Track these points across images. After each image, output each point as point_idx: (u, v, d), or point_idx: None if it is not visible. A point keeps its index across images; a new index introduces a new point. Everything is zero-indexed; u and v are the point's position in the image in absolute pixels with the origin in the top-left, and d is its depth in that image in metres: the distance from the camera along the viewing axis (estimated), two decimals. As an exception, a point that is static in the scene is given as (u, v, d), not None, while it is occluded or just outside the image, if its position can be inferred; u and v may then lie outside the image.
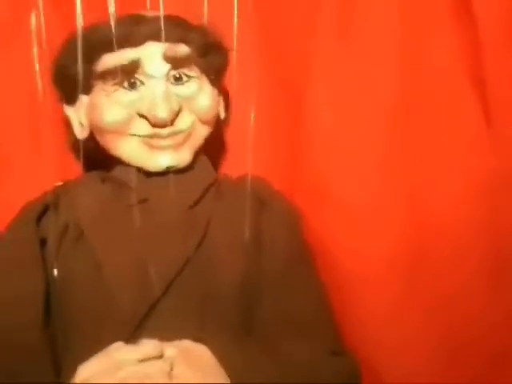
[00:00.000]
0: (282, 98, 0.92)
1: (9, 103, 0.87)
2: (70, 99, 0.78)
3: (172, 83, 0.75)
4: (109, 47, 0.72)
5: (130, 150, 0.75)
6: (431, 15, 0.86)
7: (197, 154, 0.79)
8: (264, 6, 0.91)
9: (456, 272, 0.82)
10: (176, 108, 0.73)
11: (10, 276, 0.69)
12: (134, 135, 0.75)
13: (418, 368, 0.81)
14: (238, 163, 0.87)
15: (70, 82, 0.75)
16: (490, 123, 0.84)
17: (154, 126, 0.73)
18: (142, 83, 0.74)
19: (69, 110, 0.80)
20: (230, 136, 0.93)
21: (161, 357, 0.58)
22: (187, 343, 0.61)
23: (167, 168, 0.75)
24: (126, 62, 0.72)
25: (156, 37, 0.72)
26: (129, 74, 0.73)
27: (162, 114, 0.72)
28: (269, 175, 0.87)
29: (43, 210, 0.75)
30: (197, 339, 0.63)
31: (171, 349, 0.59)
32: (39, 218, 0.74)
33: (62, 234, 0.72)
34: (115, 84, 0.73)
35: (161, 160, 0.75)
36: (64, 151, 0.87)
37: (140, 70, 0.73)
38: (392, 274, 0.83)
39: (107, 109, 0.74)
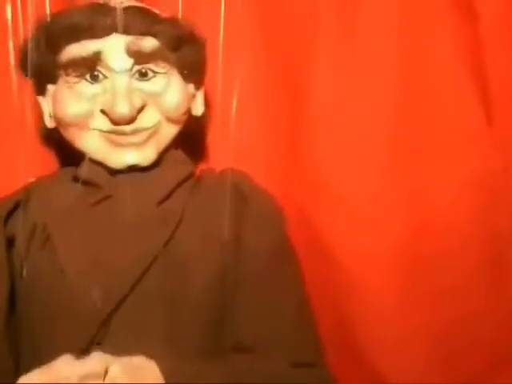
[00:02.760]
0: (282, 94, 0.90)
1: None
2: (40, 89, 0.76)
3: (137, 79, 0.71)
4: (72, 37, 0.70)
5: (92, 144, 0.73)
6: (432, 11, 0.84)
7: (166, 151, 0.76)
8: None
9: (456, 270, 0.81)
10: (137, 105, 0.70)
11: None
12: (96, 129, 0.72)
13: (417, 365, 0.80)
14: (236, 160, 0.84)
15: (37, 71, 0.73)
16: (490, 121, 0.82)
17: (115, 122, 0.70)
18: (105, 77, 0.71)
19: (41, 100, 0.78)
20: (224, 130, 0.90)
21: (105, 374, 0.56)
22: (137, 360, 0.58)
23: (128, 166, 0.73)
24: (86, 54, 0.69)
25: (121, 29, 0.69)
26: (90, 67, 0.70)
27: (121, 110, 0.69)
28: (268, 172, 0.86)
29: (13, 207, 0.73)
30: (156, 348, 0.61)
31: (116, 366, 0.56)
32: (8, 216, 0.72)
33: (30, 235, 0.71)
34: (77, 76, 0.71)
35: (123, 157, 0.72)
36: (40, 145, 0.85)
37: (102, 63, 0.70)
38: (392, 272, 0.82)
39: (68, 101, 0.71)
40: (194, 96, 0.79)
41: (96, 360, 0.55)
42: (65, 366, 0.54)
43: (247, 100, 0.84)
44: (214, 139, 0.90)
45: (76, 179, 0.74)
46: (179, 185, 0.74)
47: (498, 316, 0.81)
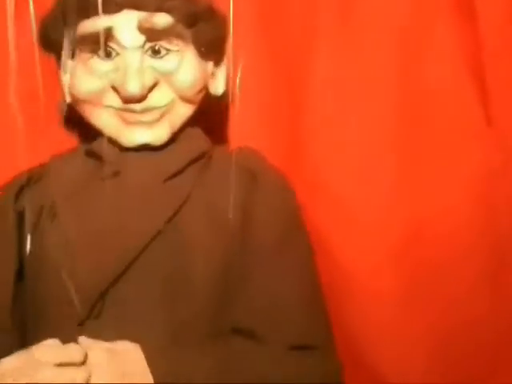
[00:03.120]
0: (282, 93, 0.88)
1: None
2: (59, 64, 0.76)
3: (149, 55, 0.70)
4: (86, 13, 0.69)
5: (106, 121, 0.72)
6: (433, 10, 0.83)
7: (181, 129, 0.74)
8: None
9: (458, 275, 0.80)
10: (149, 83, 0.69)
11: None
12: (109, 107, 0.71)
13: (417, 369, 0.79)
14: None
15: (55, 46, 0.73)
16: (490, 122, 0.81)
17: (125, 101, 0.69)
18: (118, 53, 0.69)
19: (62, 76, 0.77)
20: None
21: (83, 362, 0.56)
22: (121, 345, 0.59)
23: (139, 145, 0.72)
24: (97, 30, 0.67)
25: (132, 5, 0.67)
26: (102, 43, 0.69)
27: (132, 89, 0.67)
28: None
29: (26, 182, 0.74)
30: (151, 326, 0.62)
31: (97, 353, 0.57)
32: (21, 191, 0.73)
33: (39, 209, 0.71)
34: (90, 52, 0.70)
35: (134, 136, 0.71)
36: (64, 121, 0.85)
37: (113, 40, 0.68)
38: (393, 274, 0.81)
39: (81, 77, 0.71)
40: (212, 74, 0.76)
41: (75, 347, 0.55)
42: (43, 351, 0.54)
43: (246, 99, 0.79)
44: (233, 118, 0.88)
45: (88, 155, 0.74)
46: (190, 164, 0.73)
47: (501, 321, 0.80)
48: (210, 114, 0.79)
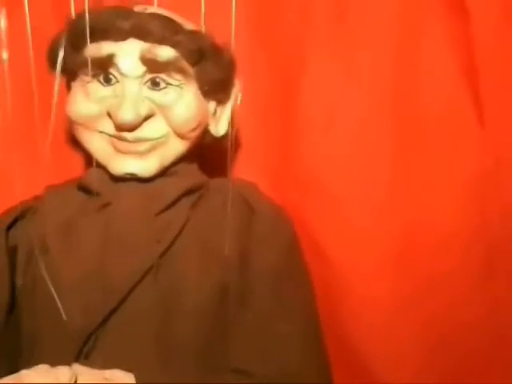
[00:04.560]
0: (276, 93, 0.88)
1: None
2: (67, 86, 0.77)
3: (148, 87, 0.69)
4: (91, 37, 0.69)
5: (97, 146, 0.71)
6: (425, 10, 0.83)
7: (176, 164, 0.74)
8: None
9: (452, 278, 0.81)
10: (143, 113, 0.68)
11: None
12: (103, 132, 0.71)
13: (409, 369, 0.80)
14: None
15: (63, 68, 0.73)
16: (482, 123, 0.81)
17: (117, 128, 0.69)
18: (117, 80, 0.69)
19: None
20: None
21: None
22: (112, 373, 0.57)
23: (127, 174, 0.71)
24: (100, 55, 0.68)
25: (139, 34, 0.68)
26: (104, 69, 0.69)
27: (126, 115, 0.67)
28: (261, 173, 0.86)
29: (21, 214, 0.73)
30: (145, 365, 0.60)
31: (87, 377, 0.55)
32: (14, 224, 0.73)
33: (32, 244, 0.70)
34: (92, 76, 0.70)
35: (123, 165, 0.71)
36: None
37: (115, 67, 0.68)
38: (386, 279, 0.82)
39: (79, 100, 0.71)
40: (214, 114, 0.75)
41: (64, 371, 0.54)
42: (32, 375, 0.53)
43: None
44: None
45: (80, 187, 0.74)
46: (182, 196, 0.72)
47: (493, 324, 0.80)
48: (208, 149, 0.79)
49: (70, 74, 0.73)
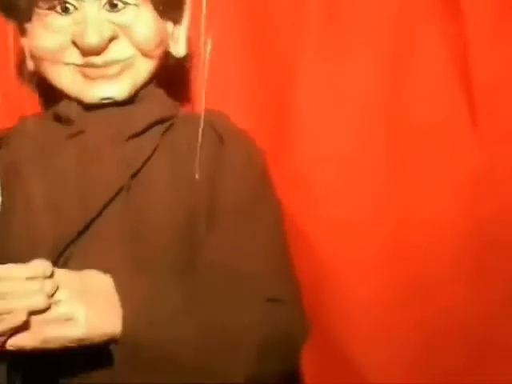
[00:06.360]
0: (269, 88, 0.88)
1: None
2: (20, 29, 0.77)
3: (107, 10, 0.71)
4: None
5: (66, 79, 0.73)
6: (419, 11, 0.84)
7: (144, 87, 0.75)
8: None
9: (444, 279, 0.80)
10: (107, 35, 0.70)
11: None
12: (69, 64, 0.72)
13: (400, 369, 0.80)
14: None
15: (14, 11, 0.74)
16: (475, 122, 0.81)
17: (84, 53, 0.70)
18: (76, 8, 0.70)
19: (23, 41, 0.78)
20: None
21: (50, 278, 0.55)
22: (90, 272, 0.58)
23: (102, 99, 0.72)
24: None
25: None
26: None
27: (91, 39, 0.68)
28: None
29: None
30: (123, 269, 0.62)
31: (64, 273, 0.56)
32: None
33: (7, 170, 0.71)
34: (48, 8, 0.71)
35: (96, 91, 0.72)
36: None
37: None
38: (378, 280, 0.81)
39: (40, 35, 0.71)
40: (172, 35, 0.78)
41: (41, 261, 0.54)
42: (7, 267, 0.54)
43: (234, 98, 0.85)
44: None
45: (54, 117, 0.75)
46: (153, 125, 0.73)
47: (485, 324, 0.80)
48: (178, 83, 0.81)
49: (24, 14, 0.73)
